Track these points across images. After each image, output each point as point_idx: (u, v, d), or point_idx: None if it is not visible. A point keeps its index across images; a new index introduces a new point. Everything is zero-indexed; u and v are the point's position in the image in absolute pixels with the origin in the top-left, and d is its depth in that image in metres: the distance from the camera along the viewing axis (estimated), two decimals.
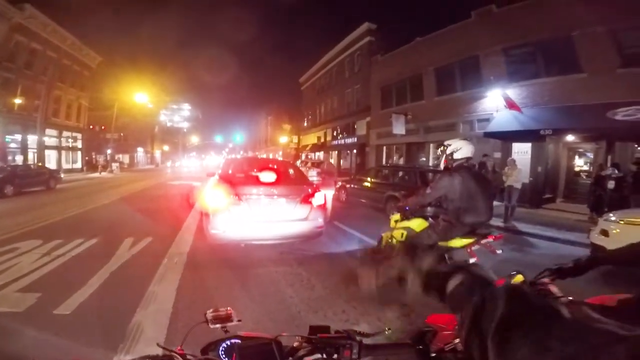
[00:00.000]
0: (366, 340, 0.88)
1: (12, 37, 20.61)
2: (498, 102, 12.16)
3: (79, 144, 30.49)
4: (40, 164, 18.75)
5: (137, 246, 5.21)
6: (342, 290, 3.77)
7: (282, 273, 4.29)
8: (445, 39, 15.55)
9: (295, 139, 40.56)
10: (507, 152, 11.92)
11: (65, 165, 26.92)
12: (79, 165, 30.00)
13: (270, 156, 40.02)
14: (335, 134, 29.14)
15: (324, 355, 0.85)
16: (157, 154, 55.03)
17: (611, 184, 8.26)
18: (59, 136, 27.24)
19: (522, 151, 11.78)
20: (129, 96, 32.08)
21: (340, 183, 12.35)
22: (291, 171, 6.57)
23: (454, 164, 3.49)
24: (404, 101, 18.62)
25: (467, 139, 3.80)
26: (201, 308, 1.03)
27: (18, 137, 22.63)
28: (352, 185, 11.43)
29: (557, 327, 0.40)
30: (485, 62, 13.37)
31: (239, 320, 1.00)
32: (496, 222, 7.82)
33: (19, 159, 21.86)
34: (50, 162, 24.01)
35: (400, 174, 9.92)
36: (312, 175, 16.71)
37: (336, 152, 28.86)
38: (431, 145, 16.25)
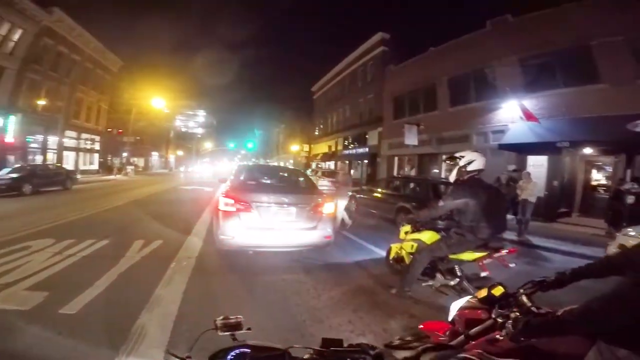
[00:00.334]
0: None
1: (40, 39, 21.27)
2: (513, 114, 11.97)
3: (97, 146, 31.15)
4: (58, 165, 19.25)
5: (147, 248, 5.25)
6: (349, 300, 3.71)
7: (289, 281, 4.24)
8: (460, 49, 15.47)
9: (306, 148, 40.74)
10: (523, 164, 11.67)
11: (82, 167, 27.49)
12: (95, 167, 30.69)
13: (282, 164, 40.28)
14: (346, 143, 29.14)
15: None
16: (172, 158, 56.01)
17: (630, 199, 7.99)
18: (78, 138, 27.84)
19: (537, 164, 11.52)
20: (146, 101, 32.84)
21: (350, 193, 12.26)
22: (301, 179, 6.57)
23: (467, 176, 3.42)
24: (416, 111, 18.49)
25: (478, 150, 3.73)
26: (207, 313, 1.01)
27: (39, 137, 23.25)
28: (362, 196, 11.35)
29: None
30: (501, 72, 13.20)
31: (249, 329, 0.98)
32: (510, 235, 7.64)
33: (39, 159, 22.50)
34: (68, 163, 24.44)
35: (412, 185, 9.81)
36: (323, 184, 16.66)
37: (347, 161, 28.81)
38: (444, 156, 16.04)
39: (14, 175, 12.61)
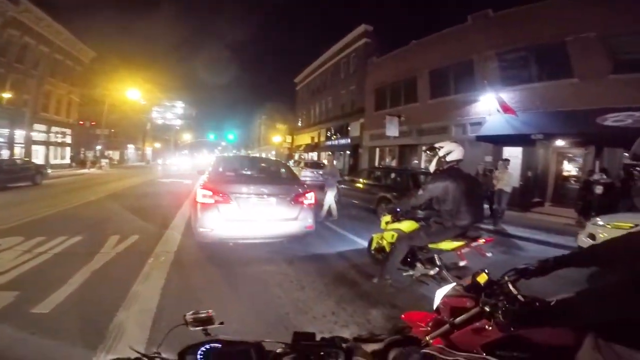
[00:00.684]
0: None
1: (4, 31, 20.16)
2: (491, 106, 12.27)
3: (68, 140, 29.99)
4: (26, 159, 18.32)
5: (123, 244, 5.09)
6: (332, 291, 3.73)
7: (271, 273, 4.22)
8: (441, 42, 15.66)
9: (288, 139, 40.50)
10: (498, 156, 12.03)
11: (53, 161, 26.43)
12: (67, 161, 29.50)
13: (263, 155, 39.88)
14: (329, 134, 29.16)
15: None
16: (149, 151, 54.33)
17: (599, 189, 8.34)
18: (48, 131, 26.75)
19: (512, 155, 11.90)
20: (121, 92, 31.61)
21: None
22: (282, 170, 6.52)
23: (446, 166, 3.49)
24: (397, 103, 18.68)
25: (456, 141, 3.81)
26: (187, 309, 0.99)
27: (5, 131, 22.19)
28: (344, 186, 11.41)
29: None
30: (479, 66, 13.47)
31: (221, 323, 0.95)
32: (486, 225, 7.88)
33: (5, 154, 21.37)
34: (38, 158, 23.53)
35: (392, 175, 9.93)
36: (306, 175, 16.64)
37: (330, 152, 28.88)
38: (424, 147, 16.32)
39: None
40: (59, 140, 28.59)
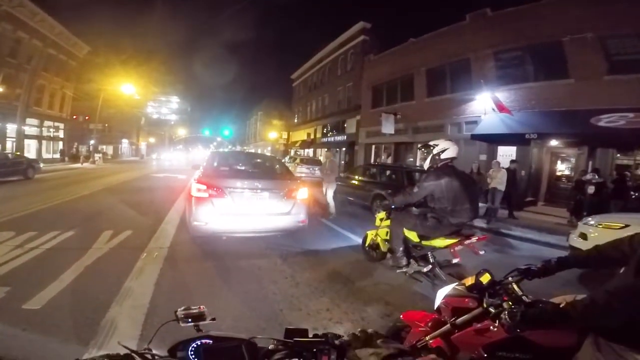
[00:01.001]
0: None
1: None
2: (486, 105, 12.31)
3: (61, 134, 29.69)
4: (18, 153, 18.07)
5: (116, 239, 5.05)
6: (326, 288, 3.73)
7: (266, 269, 4.22)
8: (439, 41, 15.63)
9: (284, 135, 40.38)
10: (493, 154, 12.12)
11: (45, 155, 26.18)
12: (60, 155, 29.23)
13: (259, 151, 39.75)
14: (325, 131, 29.09)
15: None
16: (143, 145, 53.84)
17: (591, 189, 8.42)
18: (40, 125, 26.45)
19: (507, 154, 11.98)
20: (115, 87, 31.24)
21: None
22: (276, 166, 6.58)
23: (440, 164, 3.50)
24: (394, 101, 18.68)
25: (451, 139, 3.83)
26: (180, 304, 0.98)
27: None
28: (340, 183, 11.42)
29: None
30: (476, 65, 13.49)
31: (213, 319, 0.94)
32: (479, 223, 7.94)
33: None
34: (30, 152, 23.34)
35: (388, 172, 9.94)
36: (302, 171, 16.62)
37: (326, 149, 28.87)
38: (419, 145, 16.33)
39: None
40: (52, 134, 28.26)
